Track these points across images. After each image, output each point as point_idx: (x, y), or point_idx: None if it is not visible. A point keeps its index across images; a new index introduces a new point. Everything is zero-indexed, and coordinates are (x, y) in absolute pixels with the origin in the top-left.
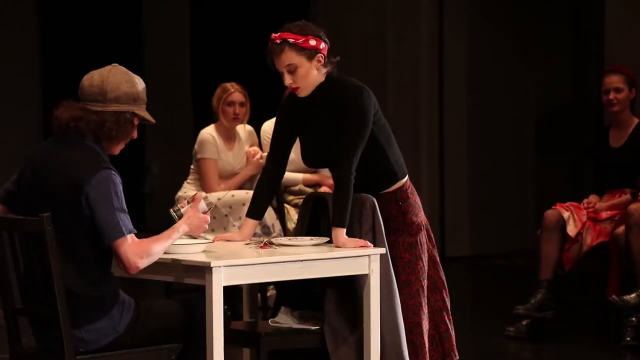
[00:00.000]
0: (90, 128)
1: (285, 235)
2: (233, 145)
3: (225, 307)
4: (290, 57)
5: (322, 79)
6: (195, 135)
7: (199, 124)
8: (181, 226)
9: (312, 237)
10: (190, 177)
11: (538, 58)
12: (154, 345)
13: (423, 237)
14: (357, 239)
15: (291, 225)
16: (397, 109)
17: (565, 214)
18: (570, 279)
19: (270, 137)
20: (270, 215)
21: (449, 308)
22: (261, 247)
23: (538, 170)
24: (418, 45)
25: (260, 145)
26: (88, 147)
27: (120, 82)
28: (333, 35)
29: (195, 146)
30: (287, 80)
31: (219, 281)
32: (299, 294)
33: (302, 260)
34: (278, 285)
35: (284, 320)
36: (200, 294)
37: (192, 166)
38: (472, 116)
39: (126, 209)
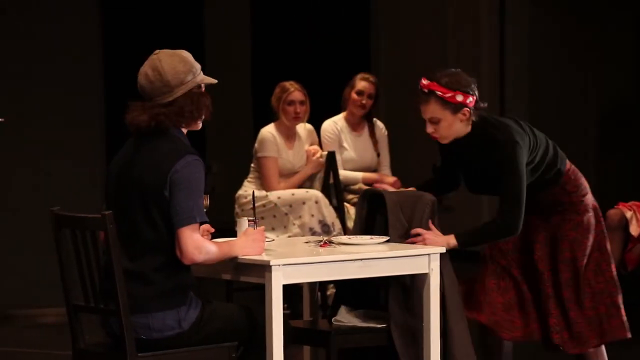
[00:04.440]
0: (171, 120)
1: (345, 234)
2: (293, 144)
3: (285, 305)
4: (435, 110)
5: (468, 129)
6: (256, 133)
7: (259, 123)
8: (238, 247)
9: (372, 236)
10: (251, 175)
11: (599, 60)
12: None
13: (592, 218)
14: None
15: (351, 223)
16: None
17: (628, 214)
18: (633, 279)
19: (331, 135)
20: (330, 214)
21: (617, 289)
22: (321, 245)
23: (599, 169)
24: (478, 46)
25: (320, 144)
26: (171, 136)
27: (174, 65)
28: (393, 35)
29: (256, 145)
30: (429, 129)
31: (279, 279)
32: (357, 293)
33: (361, 259)
34: (337, 283)
35: (346, 318)
36: (260, 292)
37: (252, 165)
38: (532, 115)
39: (202, 196)
